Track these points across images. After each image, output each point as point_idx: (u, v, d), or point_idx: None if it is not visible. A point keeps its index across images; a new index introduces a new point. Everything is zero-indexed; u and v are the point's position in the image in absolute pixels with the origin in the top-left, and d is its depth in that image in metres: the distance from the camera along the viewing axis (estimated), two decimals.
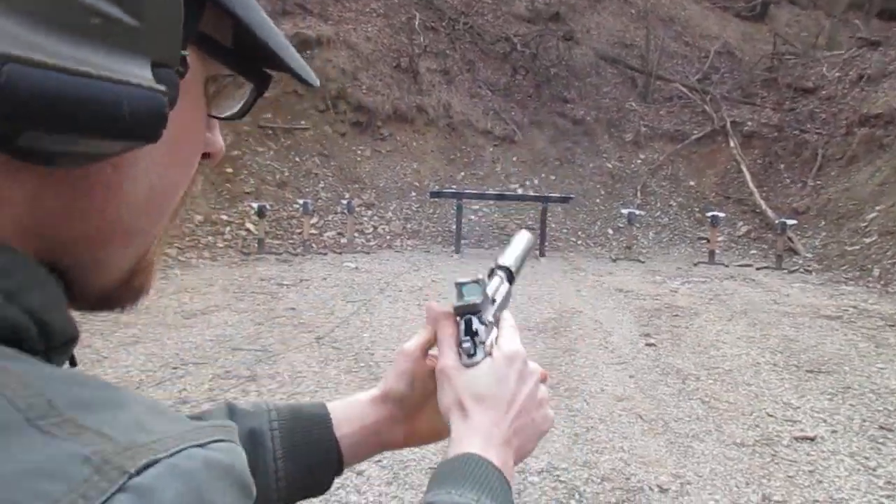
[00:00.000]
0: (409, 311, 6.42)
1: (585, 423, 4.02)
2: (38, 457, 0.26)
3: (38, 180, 0.34)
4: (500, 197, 10.78)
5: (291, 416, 0.71)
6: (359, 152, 11.77)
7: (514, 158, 12.40)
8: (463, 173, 11.94)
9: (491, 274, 0.77)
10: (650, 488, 3.29)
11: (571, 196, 11.03)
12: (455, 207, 9.98)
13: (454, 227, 10.02)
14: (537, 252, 9.88)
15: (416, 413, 0.73)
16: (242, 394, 4.28)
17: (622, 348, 5.52)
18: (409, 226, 10.77)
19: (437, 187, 11.08)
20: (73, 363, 0.44)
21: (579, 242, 10.88)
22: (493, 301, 0.71)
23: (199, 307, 6.25)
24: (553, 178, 12.13)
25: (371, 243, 10.12)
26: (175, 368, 4.68)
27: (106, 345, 5.09)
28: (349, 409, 0.73)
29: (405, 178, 11.58)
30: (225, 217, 9.92)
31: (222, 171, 10.71)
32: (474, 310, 0.66)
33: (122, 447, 0.28)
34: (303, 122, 11.75)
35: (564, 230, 11.14)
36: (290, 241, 9.74)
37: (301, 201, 9.83)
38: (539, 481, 3.31)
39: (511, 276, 0.78)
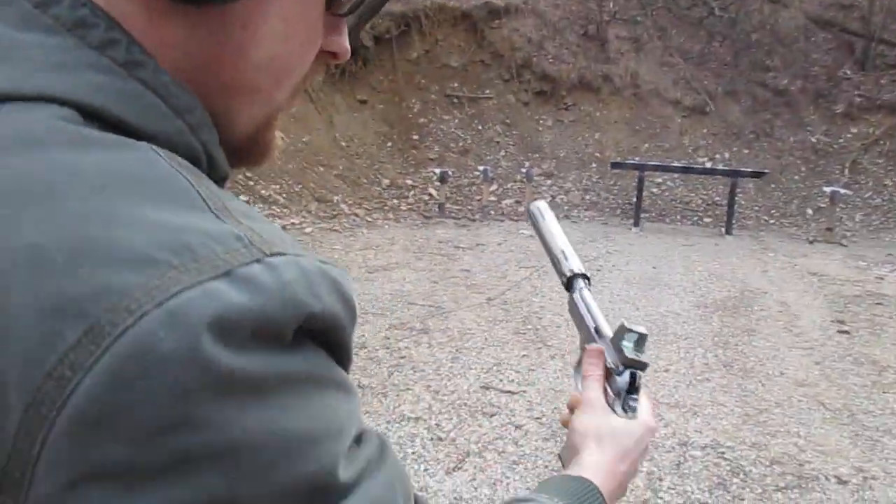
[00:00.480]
0: None
1: (759, 405, 3.82)
2: (210, 227, 0.35)
3: (188, 25, 0.40)
4: (686, 170, 10.29)
5: None
6: (541, 122, 11.75)
7: (704, 130, 11.75)
8: (647, 145, 11.53)
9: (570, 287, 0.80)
10: (826, 478, 3.08)
11: (766, 171, 10.27)
12: (637, 179, 9.68)
13: (634, 199, 9.75)
14: (723, 229, 9.36)
15: None
16: (415, 344, 4.53)
17: (809, 333, 5.13)
18: (587, 197, 10.63)
19: (618, 158, 10.81)
20: None
21: (772, 222, 10.14)
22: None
23: (381, 263, 6.64)
24: (746, 151, 11.35)
25: None
26: (356, 317, 5.04)
27: None
28: None
29: (586, 149, 11.40)
30: (409, 182, 10.37)
31: (409, 138, 11.19)
32: (642, 367, 0.69)
33: (266, 241, 0.36)
34: (487, 91, 11.92)
35: (755, 208, 10.43)
36: (469, 207, 9.99)
37: (481, 168, 10.03)
38: (702, 455, 3.22)
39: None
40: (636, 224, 9.51)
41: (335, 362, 0.39)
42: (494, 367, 4.19)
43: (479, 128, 11.54)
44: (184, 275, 0.32)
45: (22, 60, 0.38)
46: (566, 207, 10.24)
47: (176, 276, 0.32)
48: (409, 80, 11.76)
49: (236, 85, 0.44)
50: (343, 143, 10.37)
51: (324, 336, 0.37)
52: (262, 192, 8.42)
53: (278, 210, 8.24)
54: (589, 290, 0.77)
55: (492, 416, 3.55)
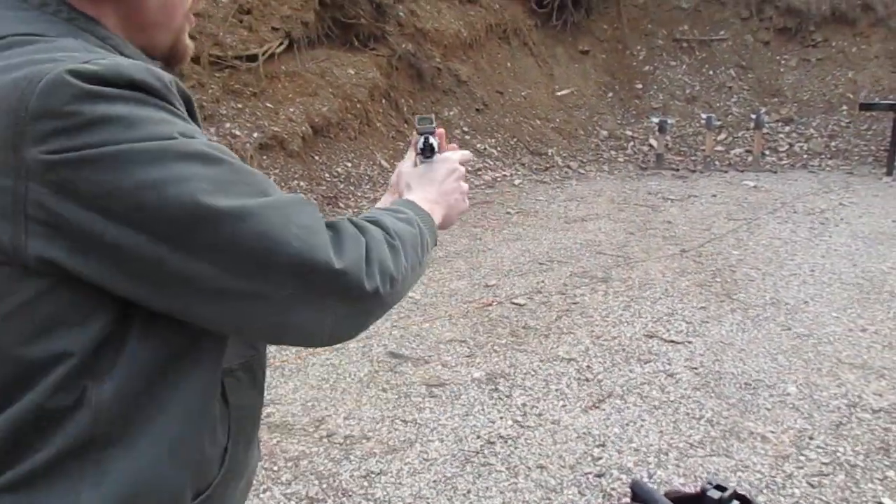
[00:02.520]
0: (796, 233, 5.89)
1: None
2: (87, 55, 0.66)
3: (113, 3, 0.74)
4: None
5: None
6: (782, 62, 10.68)
7: None
8: None
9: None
10: None
11: None
12: (893, 122, 8.47)
13: (889, 144, 8.55)
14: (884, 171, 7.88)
15: None
16: (591, 292, 4.60)
17: None
18: (833, 143, 9.52)
19: (876, 98, 9.50)
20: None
21: None
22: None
23: (580, 214, 6.69)
24: None
25: (783, 162, 9.28)
26: (541, 264, 5.21)
27: (493, 239, 5.88)
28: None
29: (836, 90, 10.16)
30: (629, 132, 10.11)
31: (632, 88, 10.85)
32: (430, 130, 1.09)
33: (117, 57, 0.69)
34: (721, 33, 11.08)
35: None
36: (692, 158, 9.51)
37: (705, 116, 9.46)
38: (871, 419, 2.96)
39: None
40: (889, 173, 8.37)
41: (169, 112, 0.67)
42: (665, 317, 4.13)
43: (710, 73, 10.81)
44: (65, 62, 0.63)
45: (9, 21, 0.70)
46: (805, 156, 9.30)
47: (61, 64, 0.63)
48: (635, 27, 11.33)
49: (147, 25, 0.78)
50: (562, 96, 10.38)
51: (148, 92, 0.66)
52: (478, 146, 8.81)
53: (491, 163, 8.58)
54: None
55: (646, 362, 3.55)
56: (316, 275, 0.69)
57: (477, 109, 9.29)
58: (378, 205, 1.03)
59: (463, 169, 1.09)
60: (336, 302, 0.72)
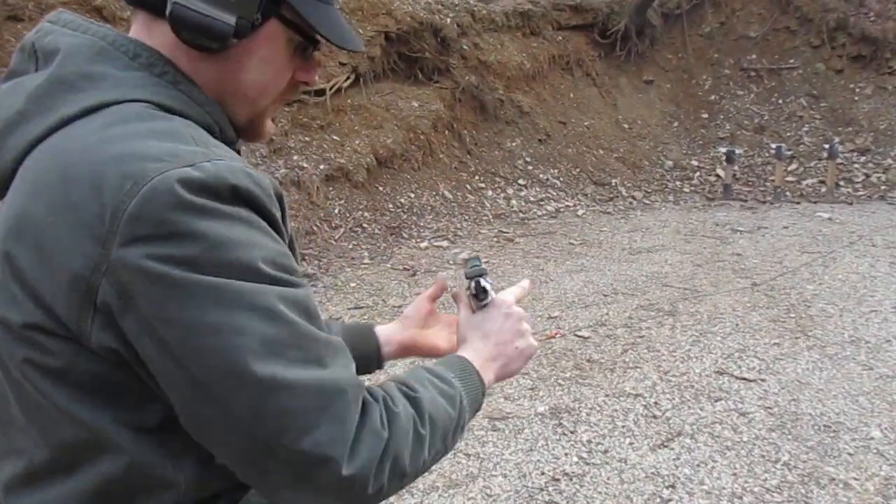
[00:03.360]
0: (875, 268, 5.64)
1: None
2: (190, 148, 0.69)
3: (209, 60, 0.77)
4: None
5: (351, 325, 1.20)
6: (857, 90, 10.34)
7: None
8: None
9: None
10: None
11: None
12: None
13: None
14: None
15: (419, 336, 1.15)
16: (657, 325, 4.49)
17: None
18: None
19: None
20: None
21: None
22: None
23: (646, 245, 6.57)
24: None
25: (859, 193, 8.93)
26: (606, 296, 5.12)
27: (556, 270, 5.82)
28: (386, 328, 1.16)
29: None
30: (695, 163, 9.93)
31: (698, 117, 10.68)
32: (481, 272, 1.00)
33: (216, 154, 0.70)
34: (791, 61, 10.83)
35: None
36: (761, 189, 9.25)
37: (774, 146, 9.21)
38: None
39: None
40: None
41: (263, 220, 0.70)
42: (736, 353, 3.99)
43: (779, 102, 10.55)
44: (171, 164, 0.66)
45: (122, 84, 0.73)
46: (883, 187, 8.95)
47: (168, 165, 0.66)
48: (701, 56, 11.19)
49: (237, 93, 0.81)
50: (626, 126, 10.29)
51: (247, 202, 0.69)
52: (541, 176, 8.79)
53: (554, 193, 8.54)
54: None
55: (717, 400, 3.43)
56: (320, 473, 0.67)
57: (539, 140, 9.29)
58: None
59: (520, 310, 1.00)
60: (331, 500, 0.69)
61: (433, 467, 2.93)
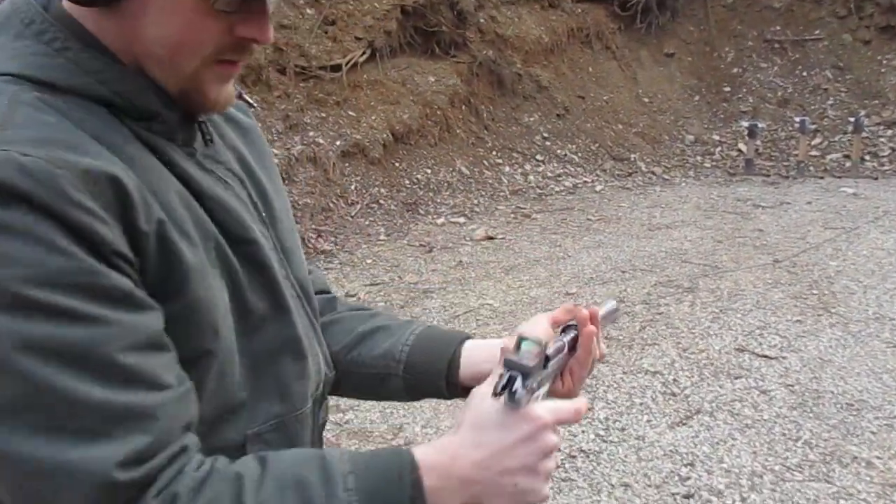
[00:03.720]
0: None
1: None
2: None
3: (107, 17, 0.65)
4: None
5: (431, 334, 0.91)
6: (884, 62, 10.08)
7: None
8: None
9: (564, 331, 0.81)
10: None
11: None
12: None
13: None
14: None
15: None
16: (676, 302, 4.43)
17: None
18: None
19: None
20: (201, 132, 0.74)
21: None
22: (547, 364, 0.71)
23: (665, 222, 6.48)
24: None
25: (885, 168, 8.74)
26: (624, 272, 5.07)
27: (573, 246, 5.77)
28: (483, 346, 0.88)
29: None
30: (717, 137, 9.76)
31: (720, 91, 10.49)
32: (522, 370, 0.66)
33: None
34: (817, 32, 10.57)
35: None
36: (784, 163, 9.08)
37: (798, 119, 9.02)
38: None
39: (575, 343, 0.80)
40: None
41: (54, 225, 0.56)
42: (757, 331, 3.93)
43: (804, 74, 10.32)
44: None
45: (1, 55, 0.65)
46: None
47: None
48: (723, 28, 10.95)
49: (145, 54, 0.67)
50: (646, 100, 10.13)
51: (22, 201, 0.56)
52: (559, 151, 8.69)
53: (572, 169, 8.44)
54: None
55: (737, 378, 3.38)
56: None
57: (558, 115, 9.17)
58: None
59: (554, 440, 0.66)
60: None
61: None
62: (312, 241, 5.93)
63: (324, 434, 0.85)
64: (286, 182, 6.39)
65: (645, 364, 3.56)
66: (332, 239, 6.07)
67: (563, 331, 0.81)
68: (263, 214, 0.77)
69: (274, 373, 0.72)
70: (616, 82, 10.08)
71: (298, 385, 0.74)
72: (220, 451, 0.64)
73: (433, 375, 0.86)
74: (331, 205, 6.54)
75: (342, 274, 5.27)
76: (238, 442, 0.69)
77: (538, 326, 0.80)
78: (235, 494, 0.57)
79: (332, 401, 0.92)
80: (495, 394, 0.65)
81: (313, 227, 6.15)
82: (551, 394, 0.77)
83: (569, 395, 0.82)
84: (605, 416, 3.06)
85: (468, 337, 0.89)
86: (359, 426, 3.06)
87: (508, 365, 0.66)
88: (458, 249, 5.77)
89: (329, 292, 0.97)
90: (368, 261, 5.57)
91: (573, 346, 0.80)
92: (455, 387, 0.85)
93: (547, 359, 0.71)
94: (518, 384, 0.65)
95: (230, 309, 0.68)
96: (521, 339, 0.68)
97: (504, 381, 0.65)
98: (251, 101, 0.88)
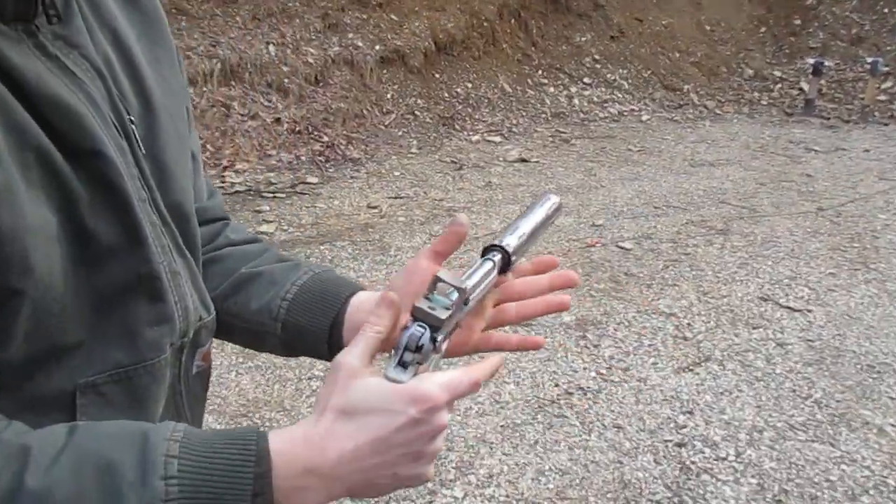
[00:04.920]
0: None
1: None
2: None
3: None
4: None
5: (321, 279, 0.76)
6: None
7: None
8: None
9: (484, 254, 0.65)
10: None
11: None
12: None
13: None
14: None
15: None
16: (706, 243, 4.25)
17: None
18: None
19: None
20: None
21: None
22: (459, 310, 0.58)
23: (709, 158, 6.19)
24: None
25: None
26: (656, 208, 4.87)
27: (609, 176, 5.55)
28: (367, 303, 0.73)
29: None
30: (778, 73, 9.21)
31: (789, 23, 9.82)
32: (435, 324, 0.54)
33: None
34: None
35: None
36: (847, 107, 8.55)
37: (870, 60, 8.43)
38: None
39: (507, 264, 0.65)
40: None
41: None
42: (786, 280, 3.75)
43: (884, 11, 9.57)
44: None
45: None
46: None
47: None
48: None
49: None
50: (707, 27, 9.55)
51: None
52: (608, 76, 8.31)
53: (619, 95, 8.08)
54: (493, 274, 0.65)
55: (755, 328, 3.24)
56: None
57: (612, 37, 8.72)
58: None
59: (444, 419, 0.54)
60: None
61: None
62: (342, 147, 5.82)
63: (209, 385, 0.73)
64: (319, 84, 6.23)
65: (661, 305, 3.43)
66: (363, 147, 5.95)
67: (486, 252, 0.65)
68: (129, 118, 0.60)
69: (121, 314, 0.58)
70: (678, 6, 9.50)
71: (151, 332, 0.60)
72: (44, 403, 0.53)
73: (314, 336, 0.73)
74: (364, 112, 6.38)
75: (367, 184, 5.18)
76: (67, 390, 0.56)
77: (417, 264, 0.68)
78: (15, 472, 0.46)
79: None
80: (398, 353, 0.53)
81: (344, 132, 6.02)
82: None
83: (464, 345, 0.68)
84: (609, 355, 2.97)
85: (360, 288, 0.75)
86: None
87: (417, 315, 0.55)
88: (489, 170, 5.61)
89: (225, 219, 0.82)
90: (396, 173, 5.45)
91: (504, 268, 0.66)
92: (340, 350, 0.64)
93: (466, 301, 0.58)
94: (425, 339, 0.54)
95: (61, 237, 0.53)
96: (437, 279, 0.56)
97: (407, 335, 0.54)
98: None
